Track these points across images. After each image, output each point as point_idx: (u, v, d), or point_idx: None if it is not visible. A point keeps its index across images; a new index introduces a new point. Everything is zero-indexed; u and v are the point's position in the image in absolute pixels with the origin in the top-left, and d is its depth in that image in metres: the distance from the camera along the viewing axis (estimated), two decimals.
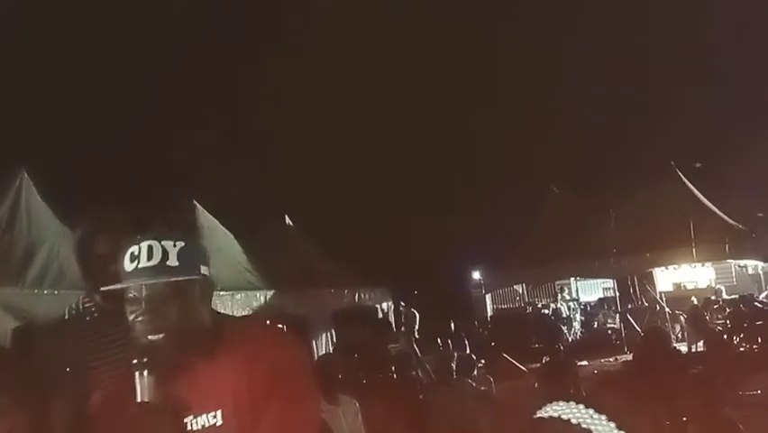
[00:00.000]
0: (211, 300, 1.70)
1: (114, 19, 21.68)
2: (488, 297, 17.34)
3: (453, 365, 6.49)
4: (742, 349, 10.79)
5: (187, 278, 1.58)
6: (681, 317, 13.52)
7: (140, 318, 1.55)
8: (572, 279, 17.23)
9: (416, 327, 13.27)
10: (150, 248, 1.56)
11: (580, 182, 17.30)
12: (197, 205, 10.06)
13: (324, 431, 3.24)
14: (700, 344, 11.56)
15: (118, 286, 1.58)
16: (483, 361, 10.64)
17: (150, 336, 1.54)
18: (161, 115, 20.44)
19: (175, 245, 1.58)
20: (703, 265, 14.98)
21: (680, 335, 13.44)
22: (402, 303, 13.67)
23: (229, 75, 23.75)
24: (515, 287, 18.62)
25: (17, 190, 7.35)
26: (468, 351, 10.35)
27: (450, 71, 26.43)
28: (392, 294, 13.88)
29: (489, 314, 16.99)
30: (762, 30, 20.34)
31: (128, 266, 1.57)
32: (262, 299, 9.59)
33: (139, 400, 1.45)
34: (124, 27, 22.04)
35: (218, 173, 20.03)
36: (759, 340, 10.81)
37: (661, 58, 24.99)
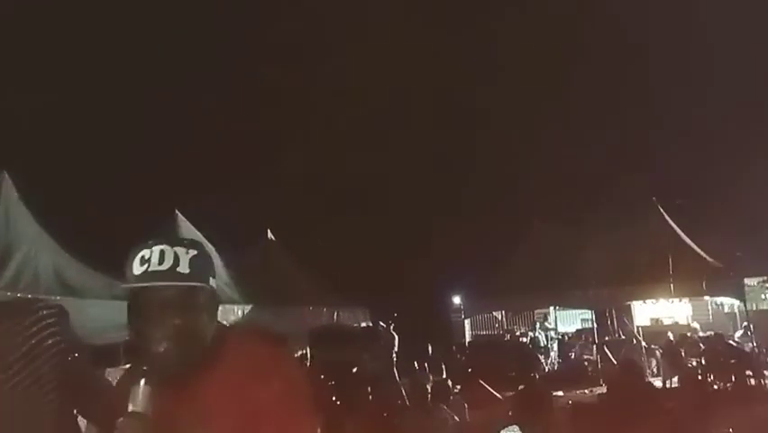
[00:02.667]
0: (216, 313, 1.66)
1: (108, 26, 21.68)
2: (467, 322, 17.32)
3: (429, 389, 6.46)
4: (716, 387, 10.85)
5: (196, 284, 1.55)
6: (657, 352, 13.58)
7: (147, 324, 1.51)
8: (552, 308, 17.28)
9: (395, 349, 13.19)
10: (162, 252, 1.53)
11: (562, 215, 17.44)
12: (180, 215, 10.02)
13: None
14: (675, 379, 11.60)
15: (129, 286, 1.53)
16: (459, 387, 10.59)
17: (154, 346, 1.49)
18: (147, 125, 20.39)
19: (187, 253, 1.55)
20: (681, 301, 15.12)
21: (655, 369, 13.49)
22: (381, 324, 13.61)
23: (216, 89, 23.79)
24: (494, 314, 18.65)
25: None
26: (444, 376, 10.31)
27: (440, 105, 26.76)
28: (371, 314, 13.81)
29: (467, 340, 16.96)
30: (745, 71, 20.83)
31: (137, 269, 1.52)
32: (240, 313, 9.52)
33: (130, 409, 1.40)
34: (117, 35, 22.04)
35: (202, 185, 19.95)
36: (733, 378, 10.89)
37: (644, 94, 25.45)
